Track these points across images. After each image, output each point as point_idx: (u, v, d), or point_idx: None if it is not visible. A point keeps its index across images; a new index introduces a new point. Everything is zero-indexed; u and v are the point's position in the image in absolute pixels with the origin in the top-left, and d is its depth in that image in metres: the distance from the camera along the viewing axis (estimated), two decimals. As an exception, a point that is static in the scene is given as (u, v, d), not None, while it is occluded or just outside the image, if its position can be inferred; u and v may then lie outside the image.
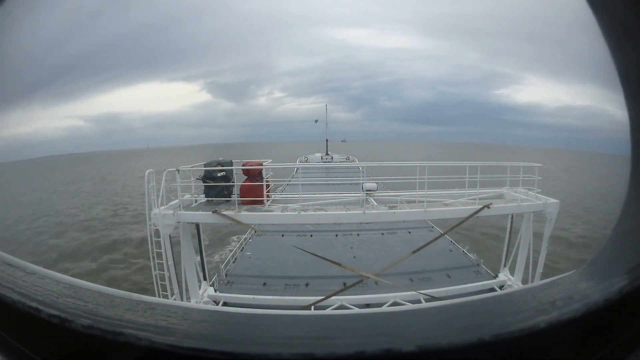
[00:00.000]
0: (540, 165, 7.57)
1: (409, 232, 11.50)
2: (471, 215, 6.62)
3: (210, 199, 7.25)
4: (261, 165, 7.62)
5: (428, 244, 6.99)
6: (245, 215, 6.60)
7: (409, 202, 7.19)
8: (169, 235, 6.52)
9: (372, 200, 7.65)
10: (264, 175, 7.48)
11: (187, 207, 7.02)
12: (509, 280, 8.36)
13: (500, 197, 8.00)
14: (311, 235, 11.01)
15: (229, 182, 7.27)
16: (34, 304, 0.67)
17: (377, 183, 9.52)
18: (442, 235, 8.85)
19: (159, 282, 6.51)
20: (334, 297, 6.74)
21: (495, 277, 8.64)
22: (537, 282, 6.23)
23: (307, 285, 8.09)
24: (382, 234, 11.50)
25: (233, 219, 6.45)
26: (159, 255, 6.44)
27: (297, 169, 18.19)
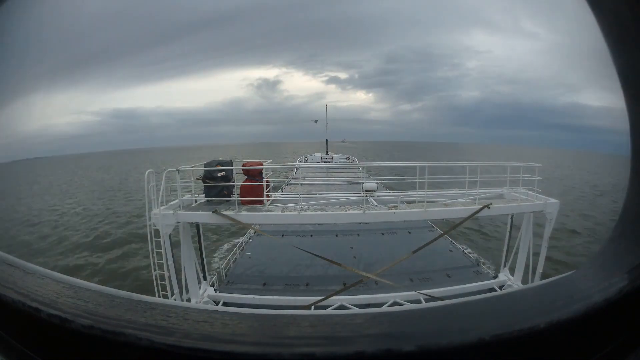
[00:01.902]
0: (540, 165, 7.57)
1: (409, 232, 11.50)
2: (471, 215, 6.62)
3: (210, 199, 7.25)
4: (261, 165, 7.62)
5: (428, 244, 6.99)
6: (245, 215, 6.60)
7: (409, 202, 7.19)
8: (169, 235, 6.52)
9: (372, 200, 7.66)
10: (264, 175, 7.48)
11: (187, 207, 7.02)
12: (509, 280, 8.36)
13: (500, 197, 8.00)
14: (311, 236, 11.02)
15: (229, 182, 7.27)
16: (34, 304, 0.67)
17: (377, 183, 9.52)
18: (442, 235, 8.85)
19: (159, 282, 6.51)
20: (334, 297, 6.74)
21: (495, 277, 8.65)
22: (537, 282, 6.24)
23: (307, 285, 8.09)
24: (382, 234, 11.50)
25: (233, 219, 6.45)
26: (159, 255, 6.44)
27: (297, 169, 18.19)
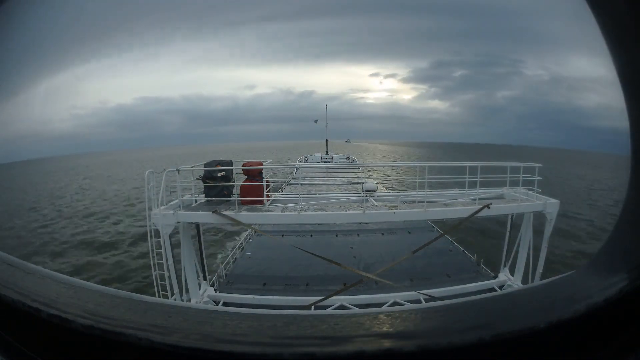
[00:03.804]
0: (540, 165, 7.57)
1: (409, 232, 11.50)
2: (471, 216, 6.62)
3: (210, 199, 7.25)
4: (261, 165, 7.63)
5: (428, 244, 6.99)
6: (245, 215, 6.60)
7: (409, 202, 7.19)
8: (169, 235, 6.53)
9: (372, 200, 7.66)
10: (264, 175, 7.49)
11: (187, 207, 7.03)
12: (509, 280, 8.36)
13: (500, 197, 8.00)
14: (311, 235, 11.02)
15: (229, 182, 7.27)
16: (34, 304, 0.67)
17: (377, 183, 9.52)
18: (442, 235, 8.85)
19: (159, 282, 6.52)
20: (334, 297, 6.74)
21: (495, 277, 8.65)
22: (537, 282, 6.24)
23: (307, 285, 8.09)
24: (382, 234, 11.50)
25: (233, 219, 6.45)
26: (159, 255, 6.45)
27: (297, 169, 18.21)
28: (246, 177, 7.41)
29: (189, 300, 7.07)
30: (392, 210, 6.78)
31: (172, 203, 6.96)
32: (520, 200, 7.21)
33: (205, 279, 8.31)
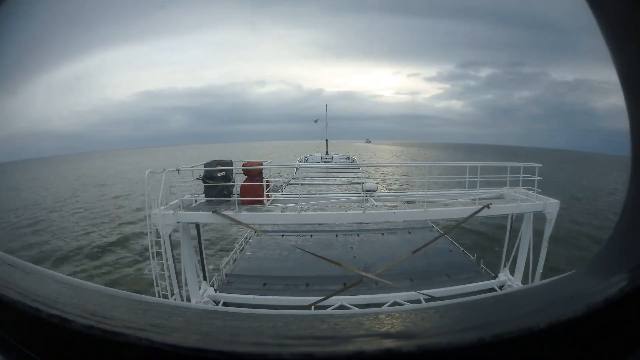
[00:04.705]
0: (540, 165, 7.57)
1: (409, 232, 11.51)
2: (471, 216, 6.62)
3: (210, 199, 7.26)
4: (261, 165, 7.63)
5: (428, 244, 6.99)
6: (245, 215, 6.61)
7: (409, 202, 7.20)
8: (169, 235, 6.53)
9: (372, 200, 7.66)
10: (263, 175, 7.49)
11: (187, 207, 7.03)
12: (509, 280, 8.36)
13: (500, 197, 8.00)
14: (311, 235, 11.02)
15: (229, 182, 7.28)
16: (34, 304, 0.67)
17: (377, 183, 9.53)
18: (442, 235, 8.85)
19: (159, 282, 6.52)
20: (334, 297, 6.74)
21: (495, 277, 8.65)
22: (537, 282, 6.24)
23: (307, 285, 8.09)
24: (382, 234, 11.50)
25: (233, 219, 6.45)
26: (159, 255, 6.45)
27: (297, 169, 18.20)
28: (246, 177, 7.42)
29: (189, 300, 7.07)
30: (392, 210, 6.78)
31: (172, 203, 6.97)
32: (520, 201, 7.21)
33: (205, 279, 8.31)
